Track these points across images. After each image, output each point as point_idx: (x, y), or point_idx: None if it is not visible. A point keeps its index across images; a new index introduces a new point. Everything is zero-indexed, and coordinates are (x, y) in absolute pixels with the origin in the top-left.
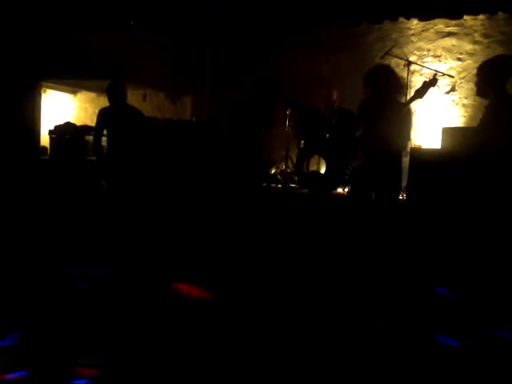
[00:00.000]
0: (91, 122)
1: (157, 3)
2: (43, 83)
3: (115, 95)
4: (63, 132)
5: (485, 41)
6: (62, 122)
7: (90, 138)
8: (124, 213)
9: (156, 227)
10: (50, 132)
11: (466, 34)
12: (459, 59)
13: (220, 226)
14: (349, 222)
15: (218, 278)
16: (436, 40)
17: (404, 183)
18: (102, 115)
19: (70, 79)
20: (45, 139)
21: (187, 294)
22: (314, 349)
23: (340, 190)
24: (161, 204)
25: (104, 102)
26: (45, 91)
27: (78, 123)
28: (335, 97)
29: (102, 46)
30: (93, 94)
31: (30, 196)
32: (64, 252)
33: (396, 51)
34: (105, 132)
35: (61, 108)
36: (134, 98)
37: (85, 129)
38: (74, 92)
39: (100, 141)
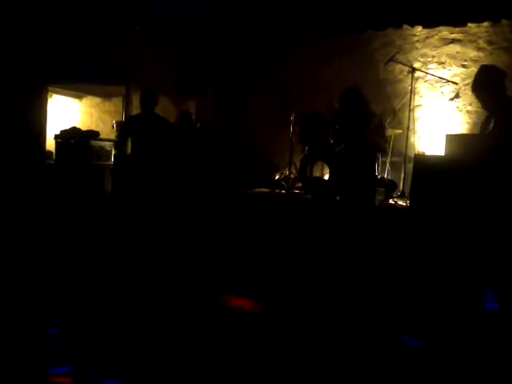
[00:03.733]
0: (96, 126)
1: (162, 8)
2: (49, 88)
3: (146, 102)
4: (69, 137)
5: (489, 47)
6: (67, 127)
7: (96, 142)
8: (130, 219)
9: (160, 232)
10: (56, 136)
11: (471, 41)
12: (463, 66)
13: (221, 230)
14: (353, 228)
15: (220, 282)
16: (440, 47)
17: (407, 189)
18: (128, 124)
19: (76, 84)
20: (50, 144)
21: None
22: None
23: None
24: (165, 209)
25: (109, 106)
26: (51, 96)
27: (84, 128)
28: (336, 104)
29: (107, 51)
30: (98, 99)
31: (36, 200)
32: (68, 258)
33: (400, 58)
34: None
35: (66, 113)
36: (138, 102)
37: (90, 134)
38: (79, 97)
39: (123, 149)
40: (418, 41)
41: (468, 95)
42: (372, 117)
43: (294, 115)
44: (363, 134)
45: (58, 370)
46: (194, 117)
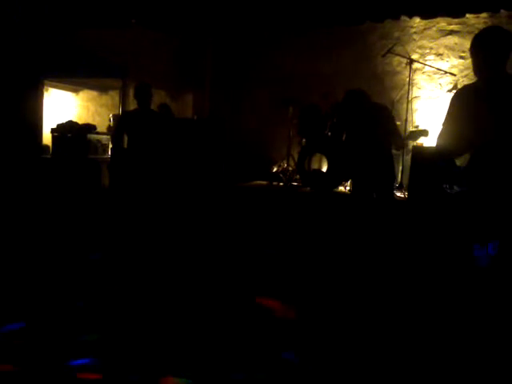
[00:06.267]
0: (93, 120)
1: (159, 1)
2: (45, 82)
3: (141, 96)
4: (65, 130)
5: None
6: (64, 121)
7: (92, 136)
8: (127, 213)
9: (157, 226)
10: (53, 130)
11: (469, 32)
12: (461, 57)
13: (219, 221)
14: (350, 219)
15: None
16: (438, 38)
17: (406, 181)
18: (124, 119)
19: (73, 78)
20: (47, 138)
21: None
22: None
23: (341, 188)
24: (162, 203)
25: (106, 100)
26: (47, 90)
27: (80, 122)
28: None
29: (103, 44)
30: (95, 93)
31: (32, 195)
32: (66, 250)
33: (398, 49)
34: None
35: (63, 106)
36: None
37: (87, 127)
38: (76, 90)
39: (120, 144)
40: (415, 32)
41: None
42: (383, 115)
43: (292, 107)
44: (375, 133)
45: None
46: (191, 110)
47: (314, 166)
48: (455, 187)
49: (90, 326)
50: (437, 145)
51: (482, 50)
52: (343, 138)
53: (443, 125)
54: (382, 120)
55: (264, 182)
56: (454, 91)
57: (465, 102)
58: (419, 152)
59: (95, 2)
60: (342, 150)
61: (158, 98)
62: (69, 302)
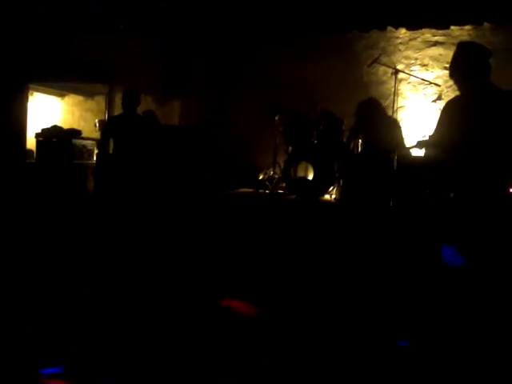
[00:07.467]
0: (78, 125)
1: (146, 6)
2: (30, 86)
3: (128, 101)
4: (50, 135)
5: None
6: (49, 125)
7: (78, 141)
8: (112, 219)
9: (142, 233)
10: (37, 135)
11: (453, 44)
12: (446, 68)
13: (206, 230)
14: (336, 227)
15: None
16: (423, 49)
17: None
18: (110, 124)
19: (58, 82)
20: (31, 142)
21: None
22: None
23: (327, 196)
24: (147, 209)
25: (91, 105)
26: (32, 94)
27: (66, 126)
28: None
29: (90, 49)
30: (80, 98)
31: (16, 200)
32: (50, 258)
33: (384, 59)
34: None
35: (48, 111)
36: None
37: (72, 132)
38: (61, 95)
39: (106, 149)
40: (401, 43)
41: (450, 97)
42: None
43: (278, 115)
44: (384, 141)
45: (49, 371)
46: (178, 116)
47: (300, 173)
48: (439, 194)
49: (66, 333)
50: (424, 153)
51: (463, 63)
52: (351, 145)
53: (433, 133)
54: (395, 129)
55: (250, 190)
56: (442, 102)
57: (453, 113)
58: (405, 160)
59: (84, 7)
60: (353, 156)
61: (145, 104)
62: (47, 311)
